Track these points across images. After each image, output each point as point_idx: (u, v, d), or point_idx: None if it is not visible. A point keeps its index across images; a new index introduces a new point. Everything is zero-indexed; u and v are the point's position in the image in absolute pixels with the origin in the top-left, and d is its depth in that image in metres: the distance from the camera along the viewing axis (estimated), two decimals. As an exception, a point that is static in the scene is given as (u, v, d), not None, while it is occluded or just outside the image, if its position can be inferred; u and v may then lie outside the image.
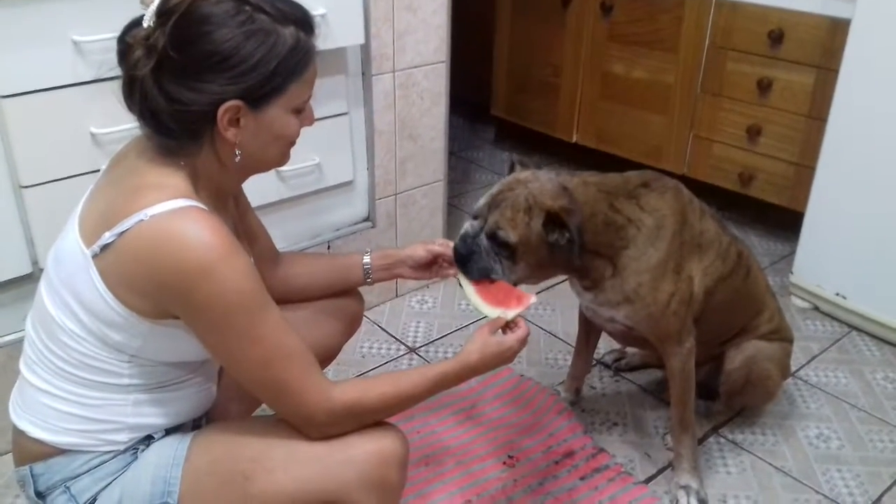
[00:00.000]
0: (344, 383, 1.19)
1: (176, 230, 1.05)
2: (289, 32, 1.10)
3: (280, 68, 1.10)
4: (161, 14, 1.06)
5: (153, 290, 1.07)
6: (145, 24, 1.07)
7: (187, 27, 1.06)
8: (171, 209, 1.06)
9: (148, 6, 1.07)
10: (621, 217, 1.56)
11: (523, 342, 1.33)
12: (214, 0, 1.07)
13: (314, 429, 1.16)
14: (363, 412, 1.18)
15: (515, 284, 1.50)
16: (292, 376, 1.13)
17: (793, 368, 2.05)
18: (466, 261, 1.47)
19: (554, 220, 1.46)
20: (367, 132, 2.24)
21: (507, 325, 1.35)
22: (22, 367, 1.20)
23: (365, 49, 2.13)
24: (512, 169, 1.59)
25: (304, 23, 1.14)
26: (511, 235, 1.45)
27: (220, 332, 1.10)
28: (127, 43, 1.08)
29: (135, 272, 1.06)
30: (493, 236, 1.47)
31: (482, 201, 1.51)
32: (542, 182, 1.50)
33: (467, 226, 1.51)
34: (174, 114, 1.08)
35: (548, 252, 1.49)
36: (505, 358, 1.31)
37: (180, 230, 1.05)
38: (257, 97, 1.10)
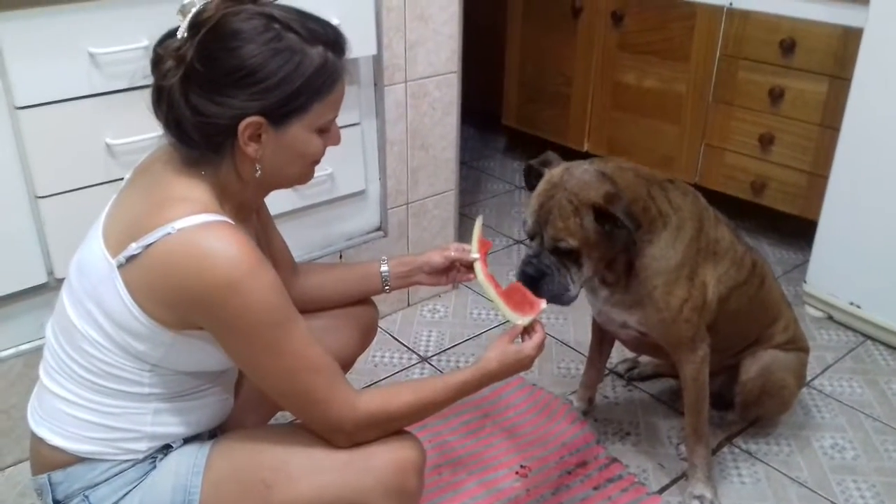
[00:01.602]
0: (368, 392, 1.20)
1: (203, 245, 1.06)
2: (316, 52, 1.11)
3: (304, 88, 1.10)
4: (192, 27, 1.08)
5: (179, 302, 1.08)
6: (179, 35, 1.09)
7: (215, 41, 1.07)
8: (198, 223, 1.07)
9: (185, 17, 1.09)
10: (655, 207, 1.56)
11: (540, 347, 1.34)
12: (245, 16, 1.08)
13: (341, 437, 1.17)
14: (388, 420, 1.19)
15: (583, 285, 1.54)
16: (319, 387, 1.14)
17: (807, 378, 2.04)
18: (538, 282, 1.48)
19: (603, 212, 1.46)
20: (379, 142, 2.25)
21: (525, 331, 1.37)
22: (42, 374, 1.21)
23: (377, 60, 2.14)
24: (530, 174, 1.58)
25: (335, 44, 1.14)
26: (571, 241, 1.47)
27: (247, 344, 1.11)
28: (159, 53, 1.10)
29: (161, 285, 1.07)
30: (556, 250, 1.48)
31: (530, 220, 1.51)
32: (577, 177, 1.49)
33: (528, 249, 1.53)
34: (198, 125, 1.10)
35: (606, 242, 1.50)
36: (523, 364, 1.33)
37: (208, 245, 1.06)
38: (279, 115, 1.10)
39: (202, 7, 1.09)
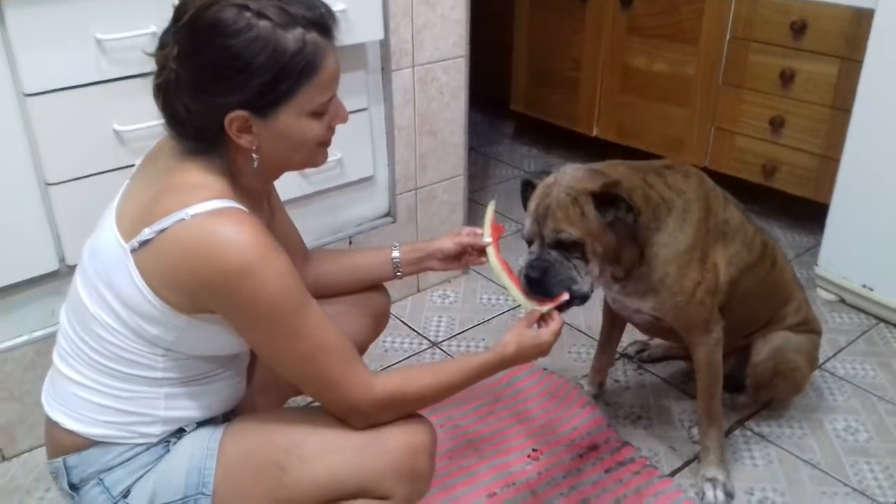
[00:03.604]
0: (385, 375, 1.21)
1: (216, 231, 1.06)
2: (292, 36, 1.07)
3: (283, 74, 1.07)
4: (175, 21, 1.08)
5: (193, 288, 1.08)
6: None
7: (191, 37, 1.07)
8: (211, 209, 1.07)
9: None
10: (655, 194, 1.53)
11: (557, 334, 1.35)
12: (218, 8, 1.06)
13: (358, 418, 1.18)
14: (405, 402, 1.20)
15: (593, 284, 1.47)
16: (335, 370, 1.14)
17: (820, 361, 2.03)
18: (541, 283, 1.41)
19: (603, 197, 1.43)
20: (388, 127, 2.24)
21: (542, 319, 1.37)
22: (55, 358, 1.22)
23: (384, 44, 2.13)
24: (525, 190, 1.56)
25: (316, 23, 1.10)
26: (574, 232, 1.42)
27: (262, 329, 1.11)
28: (156, 49, 1.10)
29: (174, 270, 1.07)
30: (557, 243, 1.44)
31: (527, 224, 1.49)
32: (570, 174, 1.48)
33: (528, 254, 1.48)
34: (191, 121, 1.10)
35: (610, 234, 1.46)
36: (541, 350, 1.33)
37: (221, 231, 1.06)
38: (263, 105, 1.09)
39: (181, 3, 1.08)
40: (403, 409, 1.21)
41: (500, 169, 3.39)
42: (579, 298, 1.45)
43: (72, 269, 1.20)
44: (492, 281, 2.48)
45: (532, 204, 1.50)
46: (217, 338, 1.16)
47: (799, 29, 2.49)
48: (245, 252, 1.05)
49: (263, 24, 1.06)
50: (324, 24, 1.12)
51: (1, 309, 1.72)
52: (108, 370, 1.15)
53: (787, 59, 2.55)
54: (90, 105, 1.66)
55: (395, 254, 1.52)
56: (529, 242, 1.49)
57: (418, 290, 2.47)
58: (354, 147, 2.16)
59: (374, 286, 1.57)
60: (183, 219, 1.06)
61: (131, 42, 1.64)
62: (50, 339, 1.24)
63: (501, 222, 1.56)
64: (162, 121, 1.15)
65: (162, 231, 1.06)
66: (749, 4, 2.59)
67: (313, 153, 1.20)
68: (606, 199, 1.43)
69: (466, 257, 1.53)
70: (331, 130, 1.19)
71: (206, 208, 1.06)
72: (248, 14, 1.05)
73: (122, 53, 1.65)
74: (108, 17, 1.62)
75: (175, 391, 1.19)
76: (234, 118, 1.08)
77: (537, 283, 1.42)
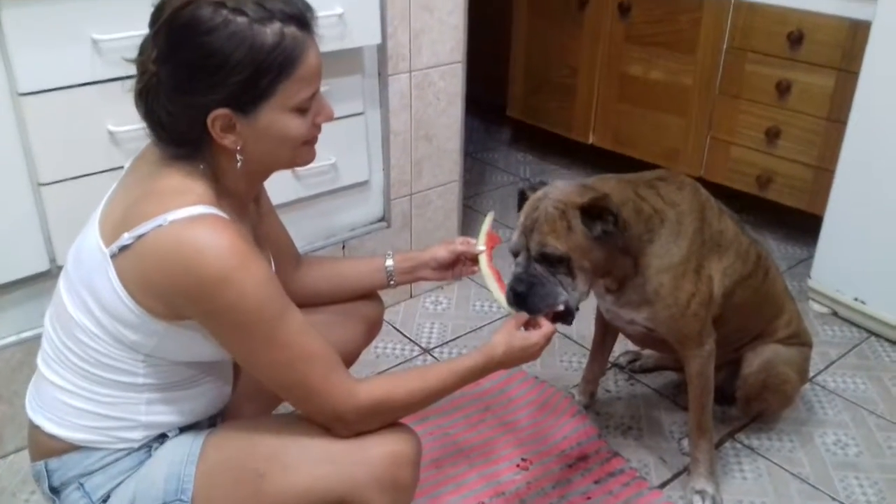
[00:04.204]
0: (370, 381, 1.20)
1: (193, 238, 1.05)
2: (271, 31, 1.06)
3: (262, 70, 1.06)
4: (153, 23, 1.07)
5: (170, 294, 1.07)
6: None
7: (167, 38, 1.06)
8: (189, 216, 1.06)
9: None
10: (647, 206, 1.53)
11: (548, 338, 1.34)
12: (194, 7, 1.05)
13: (343, 427, 1.17)
14: (391, 409, 1.19)
15: (580, 300, 1.46)
16: (316, 378, 1.13)
17: (811, 374, 2.03)
18: (527, 296, 1.39)
19: (591, 210, 1.42)
20: (383, 132, 2.24)
21: (531, 323, 1.36)
22: (39, 362, 1.21)
23: (381, 49, 2.13)
24: (522, 199, 1.55)
25: (294, 17, 1.09)
26: (559, 246, 1.41)
27: (240, 338, 1.10)
28: (137, 54, 1.10)
29: (152, 276, 1.07)
30: (543, 257, 1.42)
31: (514, 237, 1.47)
32: (560, 188, 1.48)
33: (514, 266, 1.46)
34: (173, 124, 1.09)
35: (598, 249, 1.45)
36: (530, 353, 1.32)
37: (197, 238, 1.05)
38: (244, 102, 1.08)
39: (159, 5, 1.08)
40: (390, 416, 1.20)
41: (495, 175, 3.39)
42: (566, 314, 1.44)
43: (62, 270, 1.20)
44: (484, 288, 2.48)
45: (521, 217, 1.49)
46: (196, 344, 1.15)
47: (796, 40, 2.49)
48: (222, 260, 1.04)
49: (240, 19, 1.05)
50: (302, 17, 1.11)
51: (-10, 308, 1.71)
52: (90, 375, 1.14)
53: (784, 69, 2.55)
54: (85, 105, 1.66)
55: (389, 262, 1.52)
56: (515, 254, 1.48)
57: (411, 296, 2.47)
58: (349, 151, 2.15)
59: (368, 294, 1.56)
60: (161, 224, 1.05)
61: (127, 43, 1.59)
62: (39, 339, 1.23)
63: (497, 229, 1.55)
64: (144, 126, 1.14)
65: (140, 237, 1.05)
66: (746, 15, 2.60)
67: (298, 151, 1.18)
68: (594, 212, 1.42)
69: (460, 266, 1.53)
70: (315, 128, 1.18)
71: (184, 214, 1.05)
72: (224, 11, 1.05)
73: (117, 54, 1.62)
74: (105, 17, 1.62)
75: (156, 396, 1.18)
76: (217, 117, 1.07)
77: (522, 298, 1.40)
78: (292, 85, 1.10)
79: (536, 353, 1.33)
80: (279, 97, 1.09)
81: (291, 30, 1.08)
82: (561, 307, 1.42)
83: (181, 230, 1.05)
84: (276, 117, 1.11)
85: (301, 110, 1.13)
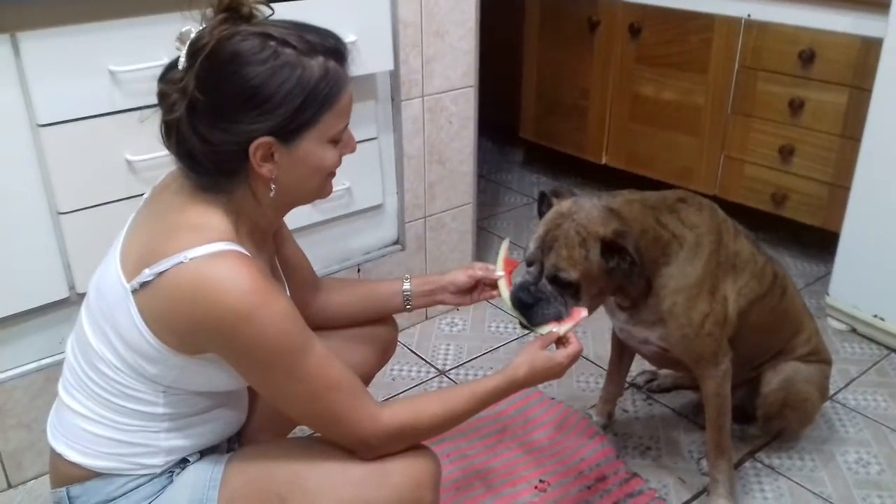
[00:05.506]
0: (394, 406, 1.20)
1: (214, 275, 1.05)
2: (317, 63, 1.09)
3: (309, 100, 1.09)
4: (191, 55, 1.08)
5: (191, 331, 1.08)
6: (180, 66, 1.09)
7: (213, 68, 1.06)
8: (210, 252, 1.06)
9: (184, 45, 1.09)
10: (667, 232, 1.54)
11: (574, 358, 1.33)
12: (240, 38, 1.07)
13: (368, 451, 1.17)
14: (416, 433, 1.19)
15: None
16: (341, 406, 1.13)
17: (831, 391, 2.01)
18: (531, 308, 1.43)
19: (611, 246, 1.43)
20: (397, 156, 2.26)
21: (560, 341, 1.35)
22: (60, 390, 1.22)
23: (394, 75, 2.15)
24: (542, 202, 1.56)
25: (335, 52, 1.13)
26: (572, 273, 1.42)
27: (263, 372, 1.11)
28: (162, 87, 1.10)
29: (173, 312, 1.07)
30: (554, 279, 1.44)
31: (532, 246, 1.48)
32: (587, 210, 1.47)
33: (525, 275, 1.47)
34: (208, 154, 1.10)
35: (609, 278, 1.47)
36: (554, 373, 1.32)
37: (219, 276, 1.05)
38: (288, 132, 1.10)
39: (198, 34, 1.08)
40: (414, 440, 1.20)
41: (509, 196, 3.40)
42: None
43: (82, 297, 1.21)
44: (500, 309, 2.48)
45: (541, 229, 1.49)
46: (216, 377, 1.16)
47: (807, 58, 2.49)
48: (243, 296, 1.05)
49: (289, 52, 1.08)
50: (340, 52, 1.14)
51: (11, 336, 1.73)
52: (110, 404, 1.15)
53: (796, 88, 2.55)
54: (102, 135, 1.68)
55: (406, 286, 1.52)
56: (529, 264, 1.49)
57: (426, 318, 2.47)
58: (363, 176, 2.17)
59: (383, 317, 1.57)
60: (182, 262, 1.05)
61: (144, 73, 1.66)
62: (59, 366, 1.24)
63: (512, 252, 1.55)
64: (173, 157, 1.14)
65: (161, 273, 1.06)
66: (757, 34, 2.60)
67: (324, 183, 1.21)
68: (614, 248, 1.43)
69: (478, 291, 1.53)
70: (339, 160, 1.20)
71: (205, 251, 1.06)
72: (272, 43, 1.07)
73: (134, 85, 1.67)
74: (122, 48, 1.64)
75: (176, 424, 1.19)
76: (261, 145, 1.09)
77: (526, 308, 1.43)
78: (332, 117, 1.13)
79: (560, 372, 1.33)
80: (320, 128, 1.12)
81: (333, 63, 1.11)
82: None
83: (201, 267, 1.05)
84: (313, 148, 1.13)
85: (335, 142, 1.16)
